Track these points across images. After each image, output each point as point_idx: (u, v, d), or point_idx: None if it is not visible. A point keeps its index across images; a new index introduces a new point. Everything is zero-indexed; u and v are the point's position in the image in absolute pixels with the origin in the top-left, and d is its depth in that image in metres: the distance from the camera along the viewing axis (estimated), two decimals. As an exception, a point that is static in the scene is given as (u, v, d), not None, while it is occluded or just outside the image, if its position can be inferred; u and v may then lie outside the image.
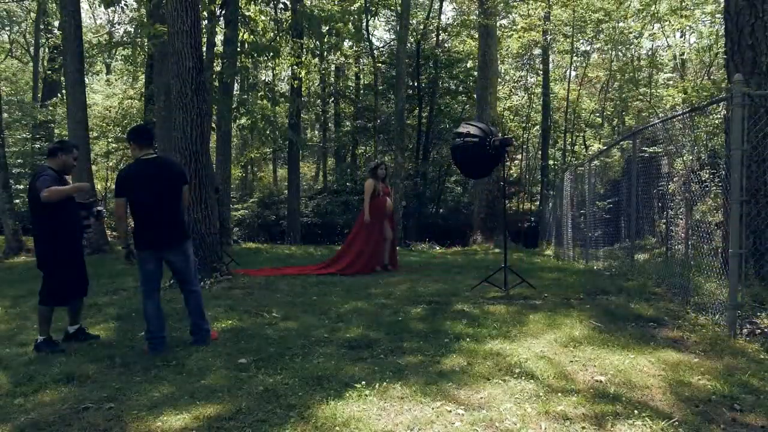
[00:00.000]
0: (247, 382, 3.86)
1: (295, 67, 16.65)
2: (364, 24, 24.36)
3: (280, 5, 14.10)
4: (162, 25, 10.59)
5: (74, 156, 5.10)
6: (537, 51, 26.63)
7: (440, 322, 5.28)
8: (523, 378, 3.79)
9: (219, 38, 16.33)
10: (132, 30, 18.31)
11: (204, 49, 9.70)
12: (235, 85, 18.88)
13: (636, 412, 3.25)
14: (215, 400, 3.58)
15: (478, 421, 3.18)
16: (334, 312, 5.88)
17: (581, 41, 24.33)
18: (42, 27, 24.58)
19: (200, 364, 4.29)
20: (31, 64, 27.43)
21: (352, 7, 21.06)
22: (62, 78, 18.33)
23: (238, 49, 13.23)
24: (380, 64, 27.32)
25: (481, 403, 3.41)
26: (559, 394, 3.51)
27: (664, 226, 10.04)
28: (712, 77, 18.15)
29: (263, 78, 26.97)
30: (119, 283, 8.17)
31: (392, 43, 27.92)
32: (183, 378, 4.03)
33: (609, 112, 27.09)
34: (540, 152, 26.84)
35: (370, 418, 3.24)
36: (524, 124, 28.20)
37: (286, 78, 28.03)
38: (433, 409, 3.34)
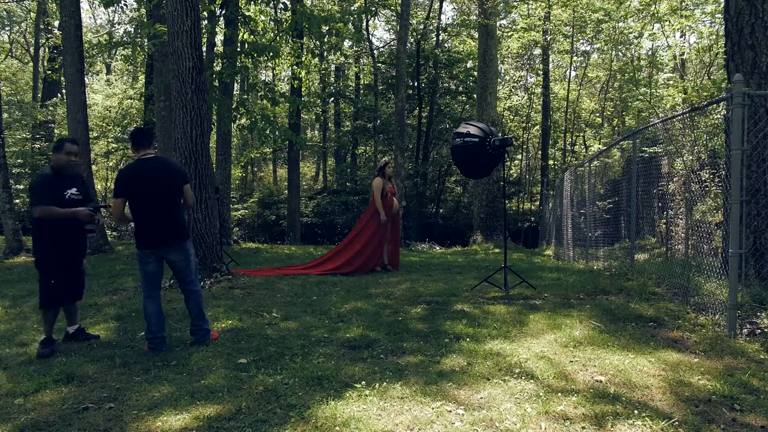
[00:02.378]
0: (247, 382, 3.86)
1: (295, 67, 16.65)
2: (364, 24, 24.36)
3: (280, 5, 14.10)
4: (162, 25, 10.59)
5: (66, 151, 4.83)
6: (537, 51, 26.67)
7: (440, 322, 5.28)
8: (523, 378, 3.79)
9: (219, 38, 16.34)
10: (132, 30, 18.30)
11: (204, 49, 9.70)
12: (235, 85, 18.89)
13: (636, 412, 3.25)
14: (215, 400, 3.58)
15: (478, 421, 3.18)
16: (334, 312, 5.88)
17: (581, 41, 24.35)
18: (42, 27, 24.59)
19: (200, 364, 4.29)
20: (31, 64, 27.45)
21: (352, 7, 21.12)
22: (62, 78, 18.32)
23: (238, 49, 13.23)
24: (380, 64, 27.33)
25: (481, 403, 3.41)
26: (559, 394, 3.51)
27: (664, 226, 10.05)
28: (712, 77, 18.16)
29: (263, 78, 26.99)
30: (119, 283, 8.17)
31: (392, 43, 27.95)
32: (183, 378, 4.02)
33: (609, 112, 27.10)
34: (540, 152, 26.86)
35: (370, 418, 3.24)
36: (524, 124, 28.22)
37: (286, 78, 28.05)
38: (433, 409, 3.34)
